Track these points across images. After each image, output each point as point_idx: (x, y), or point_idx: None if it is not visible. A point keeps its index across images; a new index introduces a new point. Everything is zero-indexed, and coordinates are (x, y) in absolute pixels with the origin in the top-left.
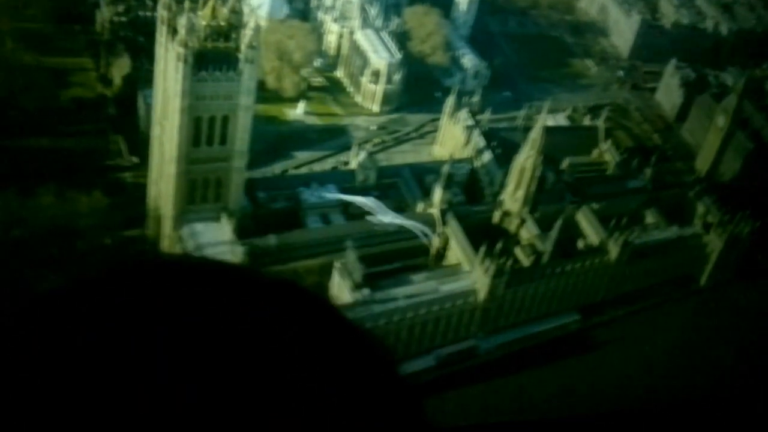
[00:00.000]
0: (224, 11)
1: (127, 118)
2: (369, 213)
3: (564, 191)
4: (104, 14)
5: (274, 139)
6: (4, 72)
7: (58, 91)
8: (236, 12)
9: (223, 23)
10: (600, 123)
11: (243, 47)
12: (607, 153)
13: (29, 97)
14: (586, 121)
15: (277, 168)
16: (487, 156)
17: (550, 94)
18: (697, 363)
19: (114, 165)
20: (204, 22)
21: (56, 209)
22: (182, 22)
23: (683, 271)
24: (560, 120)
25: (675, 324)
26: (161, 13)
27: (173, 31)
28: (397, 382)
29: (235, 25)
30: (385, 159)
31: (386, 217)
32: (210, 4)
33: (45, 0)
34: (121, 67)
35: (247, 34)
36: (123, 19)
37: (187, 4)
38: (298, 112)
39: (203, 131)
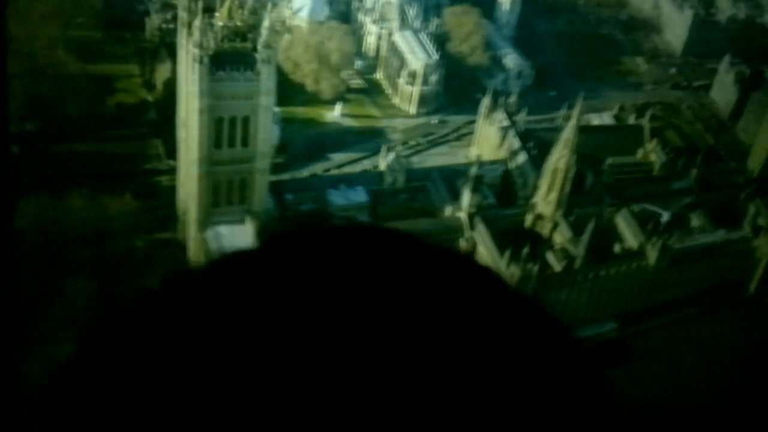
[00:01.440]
0: (241, 11)
1: (167, 122)
2: None
3: (603, 193)
4: (153, 21)
5: (311, 142)
6: (51, 80)
7: (104, 98)
8: (254, 12)
9: (240, 23)
10: (645, 122)
11: (260, 47)
12: (652, 153)
13: (74, 103)
14: (632, 120)
15: (311, 170)
16: (522, 157)
17: (597, 93)
18: (743, 376)
19: (151, 169)
20: (221, 23)
21: (87, 212)
22: (197, 24)
23: (731, 278)
24: (606, 119)
25: (720, 334)
26: (180, 14)
27: (191, 32)
28: (576, 349)
29: (253, 26)
30: (420, 161)
31: None
32: (226, 4)
33: (95, 8)
34: (163, 73)
35: (263, 34)
36: (171, 26)
37: (200, 4)
38: (335, 114)
39: (224, 132)
